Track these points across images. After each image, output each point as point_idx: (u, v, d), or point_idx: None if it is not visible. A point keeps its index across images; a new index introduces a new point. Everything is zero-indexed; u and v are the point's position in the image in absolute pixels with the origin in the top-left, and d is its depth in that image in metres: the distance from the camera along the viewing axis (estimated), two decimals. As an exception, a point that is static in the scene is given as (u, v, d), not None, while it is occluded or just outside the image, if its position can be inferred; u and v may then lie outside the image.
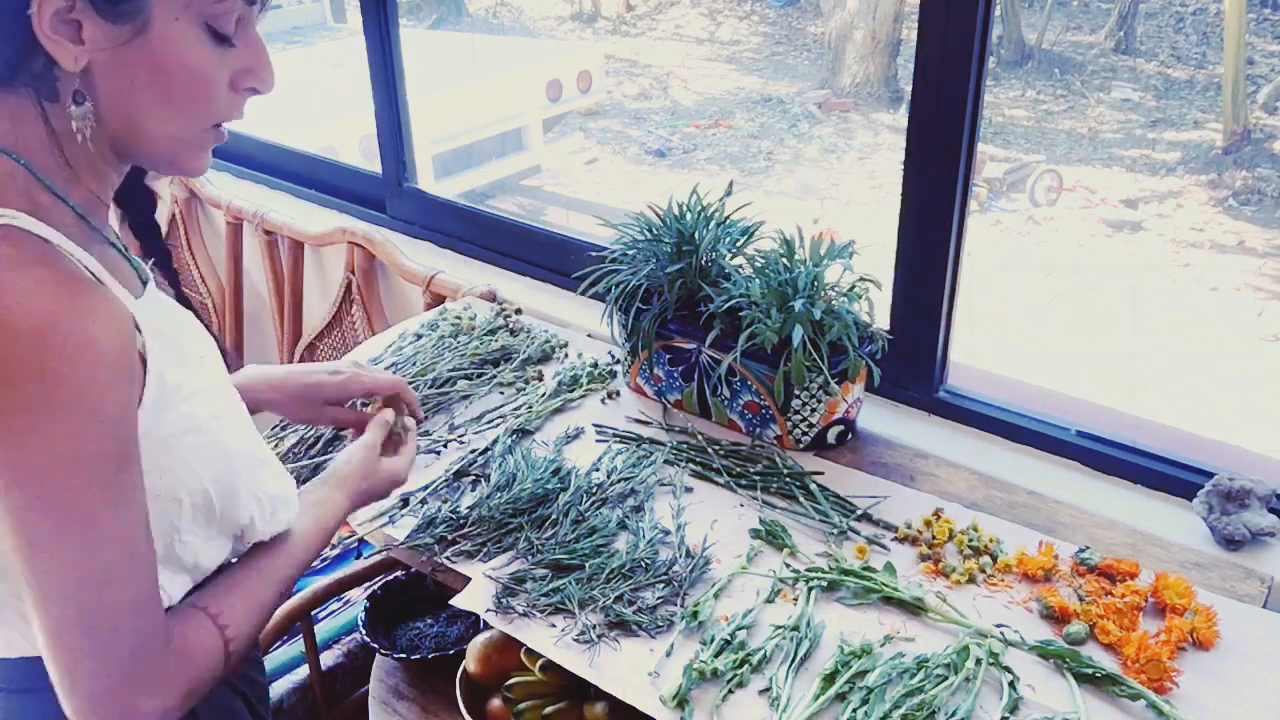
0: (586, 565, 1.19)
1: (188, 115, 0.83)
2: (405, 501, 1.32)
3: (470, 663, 1.31)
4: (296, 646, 1.78)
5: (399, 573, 1.64)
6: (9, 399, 0.71)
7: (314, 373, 1.22)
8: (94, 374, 0.73)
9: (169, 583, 0.88)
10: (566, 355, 1.68)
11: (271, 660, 1.76)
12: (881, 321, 1.45)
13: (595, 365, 1.63)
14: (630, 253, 1.53)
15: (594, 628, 1.11)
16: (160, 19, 0.78)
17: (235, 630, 0.89)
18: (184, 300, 0.99)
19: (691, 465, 1.39)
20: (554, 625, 1.13)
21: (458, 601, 1.17)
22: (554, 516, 1.27)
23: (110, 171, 0.85)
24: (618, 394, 1.57)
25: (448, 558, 1.23)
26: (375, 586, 1.64)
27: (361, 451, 1.12)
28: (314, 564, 1.02)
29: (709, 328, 1.42)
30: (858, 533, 1.26)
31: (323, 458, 1.42)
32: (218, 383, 0.94)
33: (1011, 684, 1.02)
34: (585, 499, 1.30)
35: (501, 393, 1.57)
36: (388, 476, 1.13)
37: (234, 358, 1.98)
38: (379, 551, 1.66)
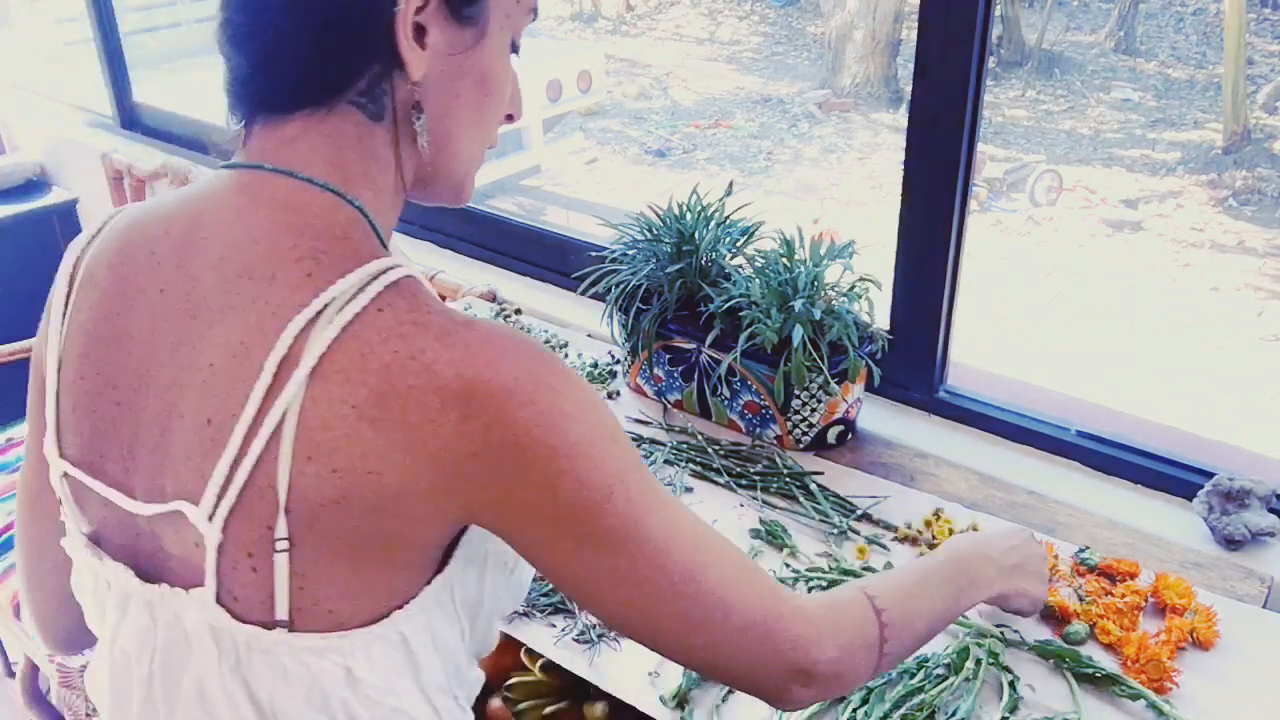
0: (586, 565, 1.19)
1: (489, 132, 0.75)
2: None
3: (470, 663, 1.31)
4: (296, 646, 1.78)
5: (399, 573, 1.64)
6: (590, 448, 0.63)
7: None
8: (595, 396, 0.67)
9: (478, 670, 0.80)
10: (566, 355, 1.68)
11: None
12: (881, 321, 1.45)
13: (595, 365, 1.63)
14: (630, 253, 1.53)
15: (594, 627, 1.11)
16: (493, 25, 0.70)
17: (890, 615, 0.77)
18: None
19: (691, 465, 1.39)
20: (554, 625, 1.13)
21: (458, 601, 1.17)
22: (554, 516, 1.26)
23: (400, 205, 0.74)
24: (618, 394, 1.57)
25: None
26: (375, 586, 1.64)
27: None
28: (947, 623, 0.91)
29: (709, 328, 1.42)
30: (858, 533, 1.26)
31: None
32: None
33: (1011, 684, 1.02)
34: (585, 499, 1.30)
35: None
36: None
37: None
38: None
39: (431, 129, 0.70)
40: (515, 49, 0.74)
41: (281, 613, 0.64)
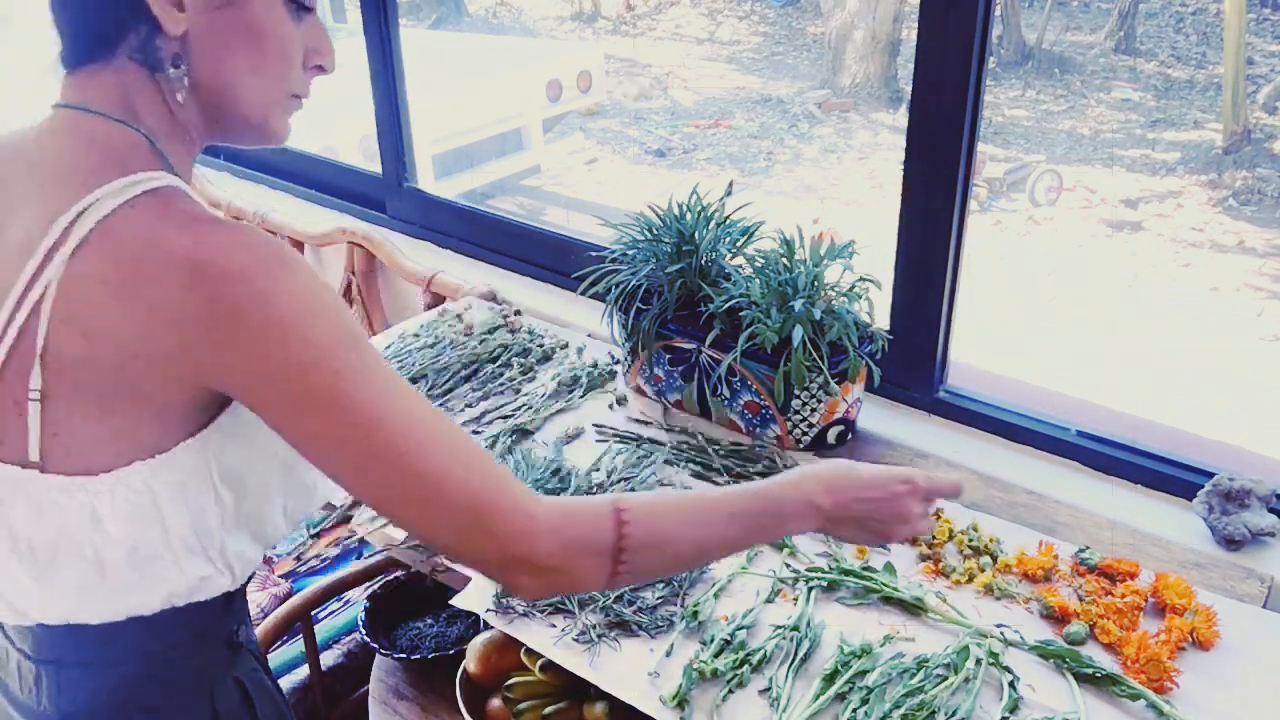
0: (586, 565, 1.19)
1: (276, 80, 0.85)
2: (405, 501, 1.32)
3: (470, 663, 1.31)
4: (296, 646, 1.78)
5: (399, 573, 1.64)
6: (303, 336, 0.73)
7: None
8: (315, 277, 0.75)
9: (252, 549, 0.86)
10: (566, 355, 1.68)
11: (272, 660, 1.76)
12: (881, 321, 1.45)
13: (595, 365, 1.63)
14: (630, 253, 1.53)
15: (594, 628, 1.11)
16: None
17: (633, 529, 0.80)
18: None
19: (691, 465, 1.39)
20: (554, 625, 1.13)
21: (458, 601, 1.17)
22: (554, 516, 1.26)
23: (197, 144, 0.87)
24: (625, 400, 1.56)
25: (448, 557, 1.23)
26: (375, 586, 1.64)
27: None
28: (714, 556, 0.91)
29: (709, 328, 1.42)
30: (858, 533, 1.26)
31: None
32: None
33: (1011, 684, 1.02)
34: (585, 499, 1.30)
35: (501, 393, 1.57)
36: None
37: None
38: (379, 551, 1.66)
39: (205, 79, 0.82)
40: (305, 6, 0.85)
41: (34, 454, 0.75)
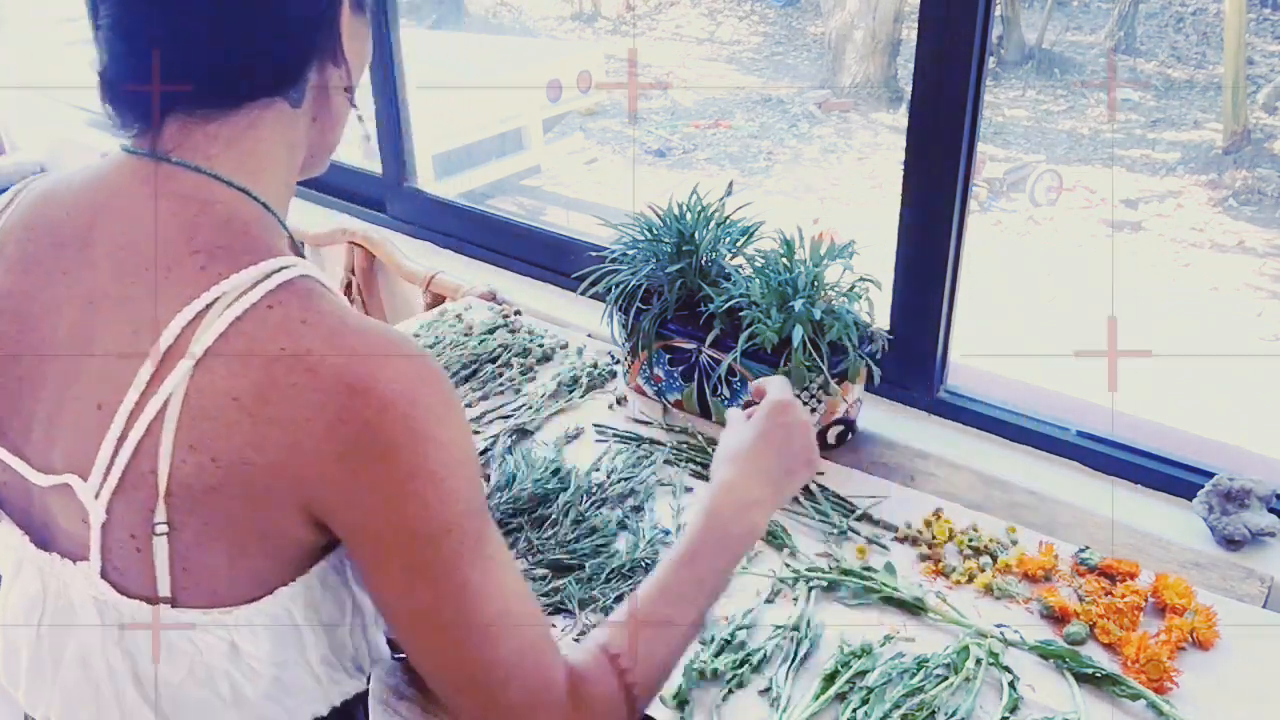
0: (587, 565, 1.19)
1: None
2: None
3: (470, 663, 1.31)
4: (296, 646, 1.78)
5: (399, 573, 1.64)
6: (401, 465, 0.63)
7: None
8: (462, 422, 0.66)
9: (380, 639, 0.79)
10: (567, 355, 1.68)
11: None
12: (881, 321, 1.45)
13: (595, 365, 1.63)
14: (630, 253, 1.53)
15: (594, 627, 1.11)
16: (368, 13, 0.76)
17: (637, 674, 0.74)
18: None
19: (691, 465, 1.39)
20: (554, 625, 1.13)
21: (458, 601, 1.17)
22: (554, 516, 1.27)
23: (295, 185, 0.77)
24: (625, 400, 1.56)
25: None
26: (375, 586, 1.64)
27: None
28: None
29: (709, 328, 1.42)
30: (858, 533, 1.26)
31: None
32: None
33: (1011, 684, 1.02)
34: (585, 499, 1.30)
35: (501, 393, 1.57)
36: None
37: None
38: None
39: (336, 111, 0.75)
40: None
41: (164, 590, 0.65)
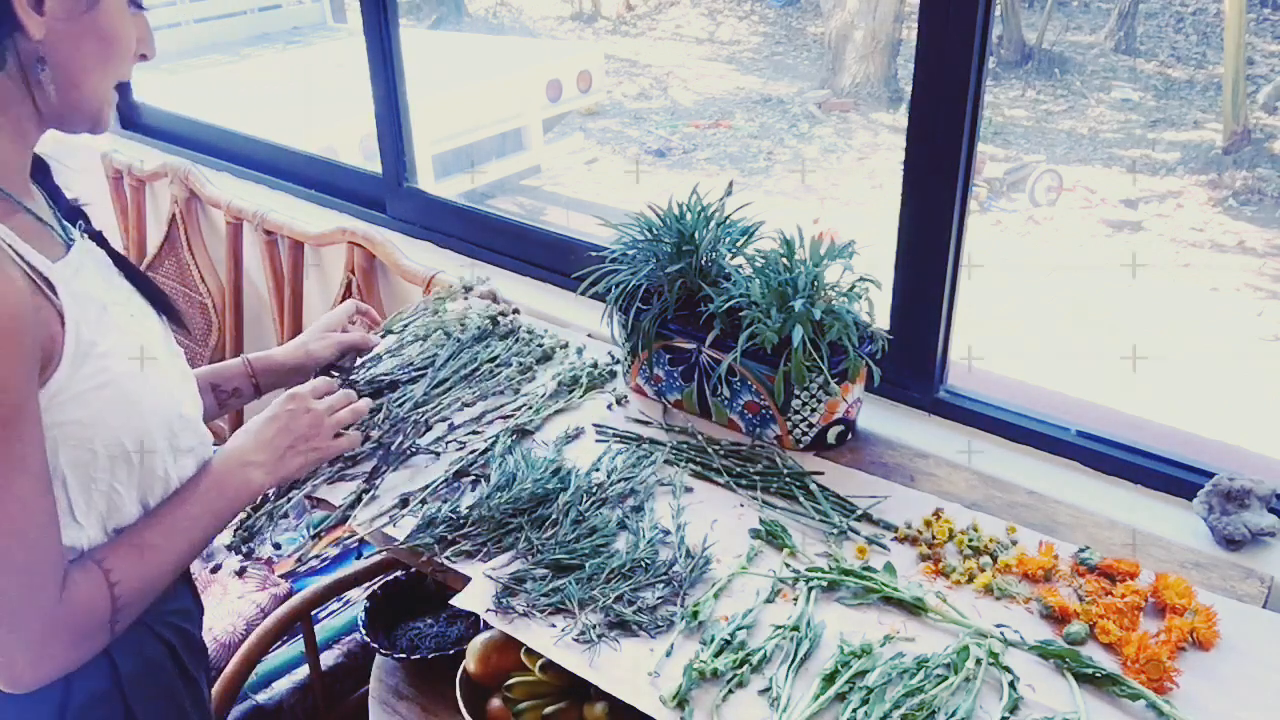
0: (586, 565, 1.19)
1: (116, 76, 0.94)
2: (405, 501, 1.32)
3: (470, 663, 1.32)
4: (296, 646, 1.78)
5: (399, 573, 1.64)
6: None
7: (302, 345, 1.40)
8: None
9: (80, 534, 0.94)
10: (566, 355, 1.68)
11: (272, 660, 1.76)
12: (881, 321, 1.45)
13: (595, 365, 1.63)
14: (630, 253, 1.53)
15: (594, 628, 1.11)
16: None
17: (124, 587, 0.94)
18: (119, 259, 1.05)
19: (691, 465, 1.39)
20: (554, 625, 1.13)
21: (458, 601, 1.17)
22: (554, 516, 1.27)
23: (34, 139, 0.93)
24: (625, 399, 1.56)
25: (448, 558, 1.23)
26: (375, 586, 1.64)
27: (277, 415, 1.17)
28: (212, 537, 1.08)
29: (709, 328, 1.42)
30: (858, 533, 1.26)
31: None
32: (146, 339, 0.99)
33: (1011, 684, 1.02)
34: (585, 499, 1.30)
35: (501, 392, 1.57)
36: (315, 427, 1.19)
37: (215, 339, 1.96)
38: (379, 551, 1.66)
39: (58, 78, 0.89)
40: (136, 3, 0.95)
41: None
